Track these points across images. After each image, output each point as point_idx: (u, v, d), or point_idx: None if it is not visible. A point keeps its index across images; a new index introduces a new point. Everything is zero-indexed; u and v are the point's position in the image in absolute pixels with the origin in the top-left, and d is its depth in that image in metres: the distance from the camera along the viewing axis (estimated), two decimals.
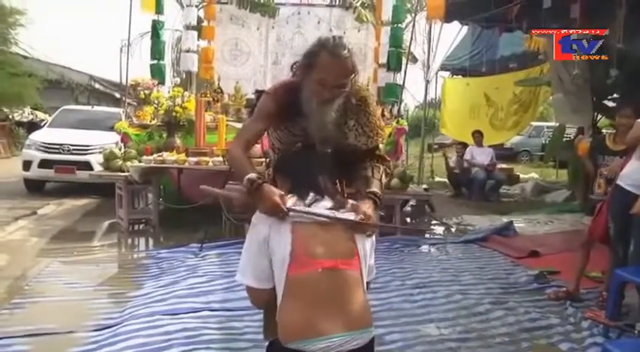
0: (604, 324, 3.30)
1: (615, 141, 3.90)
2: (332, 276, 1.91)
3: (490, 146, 10.30)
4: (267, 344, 2.14)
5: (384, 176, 2.34)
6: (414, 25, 8.80)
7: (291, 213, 1.98)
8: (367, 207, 2.10)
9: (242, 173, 2.08)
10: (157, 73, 7.53)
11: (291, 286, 1.91)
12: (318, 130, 2.22)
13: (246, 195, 2.09)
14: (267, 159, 2.58)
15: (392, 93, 7.54)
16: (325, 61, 2.07)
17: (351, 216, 2.03)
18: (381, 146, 2.43)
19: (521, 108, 10.93)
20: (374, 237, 2.13)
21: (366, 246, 2.07)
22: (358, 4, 8.17)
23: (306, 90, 2.17)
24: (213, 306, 3.53)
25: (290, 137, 2.33)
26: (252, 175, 2.04)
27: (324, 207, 2.04)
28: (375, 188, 2.22)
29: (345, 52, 2.09)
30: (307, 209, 2.01)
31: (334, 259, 1.93)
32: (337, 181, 2.29)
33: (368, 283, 2.16)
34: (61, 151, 8.64)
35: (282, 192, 2.02)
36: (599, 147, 4.03)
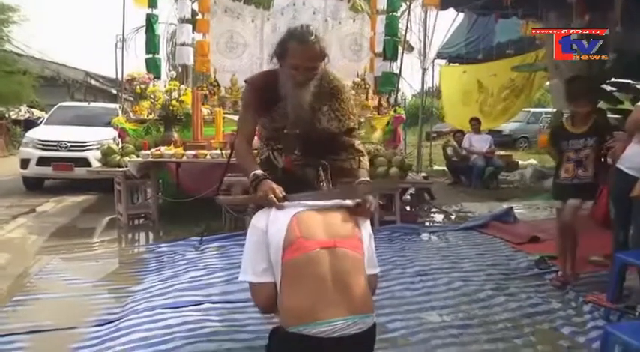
0: (605, 307, 3.30)
1: (575, 125, 3.94)
2: (331, 255, 1.93)
3: (488, 133, 10.29)
4: (269, 333, 2.15)
5: (366, 163, 2.56)
6: (409, 14, 8.83)
7: (286, 203, 2.11)
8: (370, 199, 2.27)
9: (248, 169, 2.31)
10: (153, 67, 7.50)
11: (288, 270, 1.92)
12: (293, 111, 2.42)
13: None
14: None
15: (389, 82, 7.53)
16: (295, 48, 2.30)
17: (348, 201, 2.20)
18: (355, 133, 2.65)
19: (512, 94, 10.89)
20: (370, 228, 2.22)
21: (365, 234, 2.09)
22: None
23: (282, 76, 2.40)
24: (214, 299, 3.53)
25: (271, 123, 2.55)
26: (258, 171, 2.28)
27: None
28: (363, 177, 2.44)
29: (312, 38, 2.31)
30: (300, 195, 2.18)
31: (332, 238, 1.95)
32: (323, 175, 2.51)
33: (376, 275, 2.18)
34: (59, 148, 8.62)
35: (277, 188, 2.17)
36: (561, 132, 4.04)
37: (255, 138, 2.67)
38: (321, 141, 2.53)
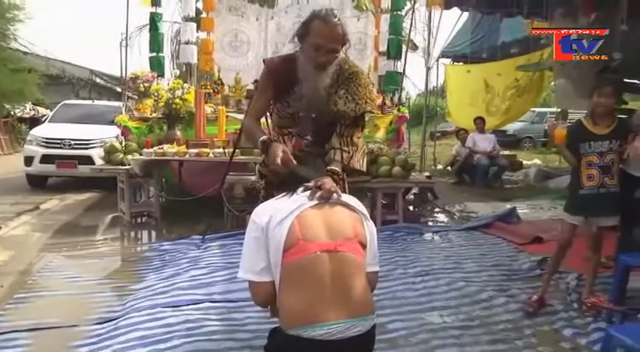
0: (606, 309, 3.28)
1: (597, 125, 3.41)
2: (332, 258, 1.90)
3: (492, 132, 10.25)
4: (268, 334, 2.14)
5: (355, 158, 2.57)
6: (413, 12, 8.77)
7: (287, 197, 2.10)
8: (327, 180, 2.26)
9: (256, 137, 2.41)
10: (156, 65, 7.49)
11: (288, 272, 1.90)
12: (310, 93, 2.46)
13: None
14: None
15: (393, 81, 7.50)
16: (318, 27, 2.36)
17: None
18: (363, 122, 2.74)
19: (515, 94, 10.85)
20: (373, 225, 2.16)
21: (367, 232, 2.07)
22: None
23: (302, 57, 2.45)
24: (214, 298, 3.52)
25: (287, 108, 2.59)
26: (264, 137, 2.39)
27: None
28: (334, 167, 2.46)
29: (336, 19, 2.37)
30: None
31: (333, 241, 1.92)
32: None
33: (376, 273, 2.16)
34: (63, 146, 8.65)
35: (286, 149, 2.27)
36: (581, 132, 3.44)
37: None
38: (334, 126, 2.57)
